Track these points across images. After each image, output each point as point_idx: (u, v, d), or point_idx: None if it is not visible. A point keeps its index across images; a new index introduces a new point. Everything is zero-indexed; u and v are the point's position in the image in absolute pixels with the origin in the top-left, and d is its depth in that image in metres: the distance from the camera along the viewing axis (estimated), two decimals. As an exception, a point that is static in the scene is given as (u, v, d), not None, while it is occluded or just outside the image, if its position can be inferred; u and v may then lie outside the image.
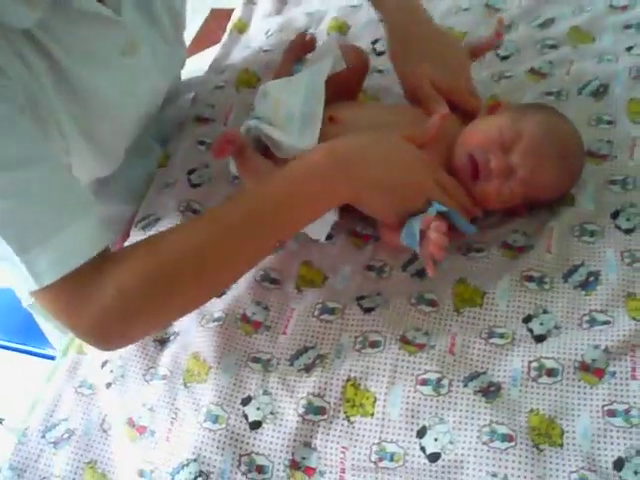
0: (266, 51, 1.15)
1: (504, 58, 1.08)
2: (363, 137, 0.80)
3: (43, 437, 0.79)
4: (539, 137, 0.81)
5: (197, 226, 0.76)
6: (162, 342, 0.84)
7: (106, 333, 0.71)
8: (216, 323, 0.82)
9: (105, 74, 0.82)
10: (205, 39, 1.55)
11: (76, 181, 0.72)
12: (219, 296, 0.85)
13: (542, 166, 0.80)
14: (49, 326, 1.18)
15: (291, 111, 0.87)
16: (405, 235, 0.79)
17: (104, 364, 0.83)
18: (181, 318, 0.81)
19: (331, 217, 0.86)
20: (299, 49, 1.07)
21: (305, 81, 0.90)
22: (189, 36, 2.38)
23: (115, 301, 0.68)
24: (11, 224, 0.65)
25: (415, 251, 0.79)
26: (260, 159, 0.86)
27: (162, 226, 0.93)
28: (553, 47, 1.05)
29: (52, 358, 0.94)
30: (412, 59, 0.91)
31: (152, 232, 0.92)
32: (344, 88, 0.94)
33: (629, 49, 1.02)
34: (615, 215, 0.84)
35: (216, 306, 0.84)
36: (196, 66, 1.26)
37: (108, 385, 0.81)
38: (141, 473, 0.73)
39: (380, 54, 1.12)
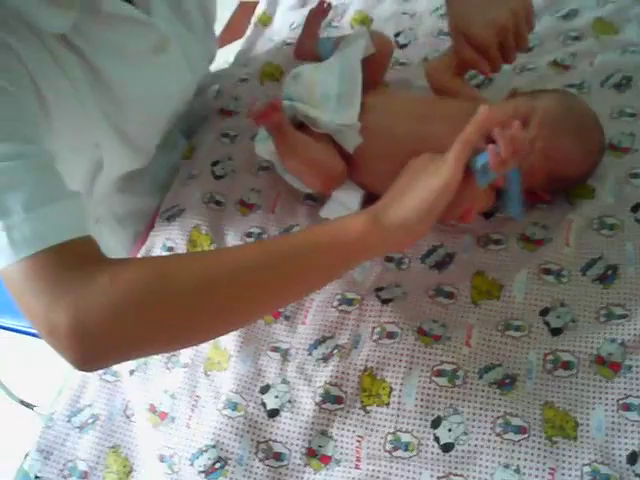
0: (289, 44, 1.16)
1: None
2: (400, 188, 0.72)
3: (69, 421, 0.82)
4: (554, 109, 0.82)
5: (214, 258, 0.67)
6: (184, 331, 0.85)
7: (84, 339, 0.57)
8: (238, 312, 0.84)
9: (136, 72, 0.84)
10: (233, 31, 1.56)
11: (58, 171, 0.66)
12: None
13: (558, 136, 0.81)
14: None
15: (327, 90, 0.90)
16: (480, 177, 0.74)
17: (128, 352, 0.85)
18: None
19: (356, 207, 0.87)
20: (319, 14, 1.08)
21: (339, 63, 0.93)
22: (217, 29, 2.40)
23: (106, 295, 0.57)
24: None
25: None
26: (297, 133, 0.88)
27: (187, 216, 0.95)
28: (576, 39, 1.05)
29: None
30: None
31: (177, 222, 0.95)
32: (370, 72, 0.95)
33: (654, 41, 1.01)
34: (635, 208, 0.83)
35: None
36: (223, 58, 1.27)
37: (131, 372, 0.83)
38: (162, 458, 0.75)
39: (403, 47, 1.13)
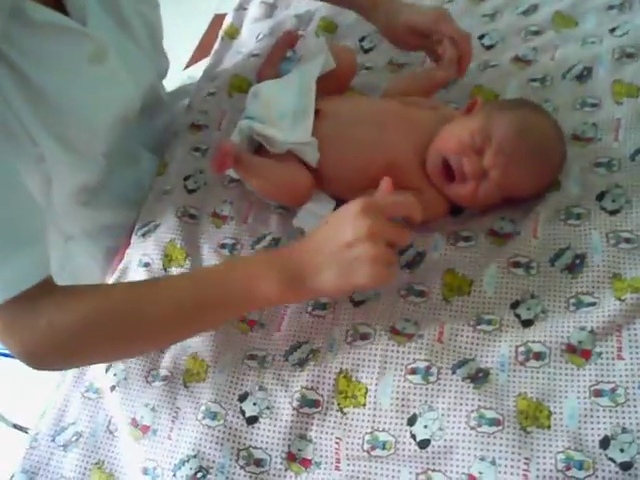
0: (256, 55, 1.16)
1: (489, 47, 1.08)
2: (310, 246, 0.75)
3: (53, 441, 0.83)
4: (509, 138, 0.82)
5: (143, 290, 0.79)
6: (163, 345, 0.86)
7: (37, 361, 0.75)
8: (214, 324, 0.85)
9: (72, 81, 0.84)
10: (209, 45, 1.57)
11: (31, 206, 0.76)
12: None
13: (513, 166, 0.81)
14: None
15: (283, 109, 0.91)
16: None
17: (108, 368, 0.85)
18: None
19: (327, 215, 0.88)
20: (285, 45, 1.10)
21: (297, 80, 0.94)
22: (193, 41, 2.41)
23: (46, 335, 0.72)
24: None
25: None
26: (259, 160, 0.90)
27: (161, 231, 0.96)
28: (537, 33, 1.06)
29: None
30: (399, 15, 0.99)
31: (152, 238, 0.95)
32: (333, 86, 0.97)
33: (612, 30, 1.02)
34: (601, 197, 0.84)
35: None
36: (199, 73, 1.28)
37: (112, 388, 0.84)
38: (145, 471, 0.76)
39: (367, 51, 1.14)
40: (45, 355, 0.74)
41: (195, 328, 0.79)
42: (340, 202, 0.90)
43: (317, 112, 0.90)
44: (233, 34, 1.28)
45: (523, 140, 0.82)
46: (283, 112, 0.91)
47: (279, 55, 1.08)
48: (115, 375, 0.84)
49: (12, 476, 0.81)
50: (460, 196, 0.85)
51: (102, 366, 0.86)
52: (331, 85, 0.95)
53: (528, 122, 0.84)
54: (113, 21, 0.90)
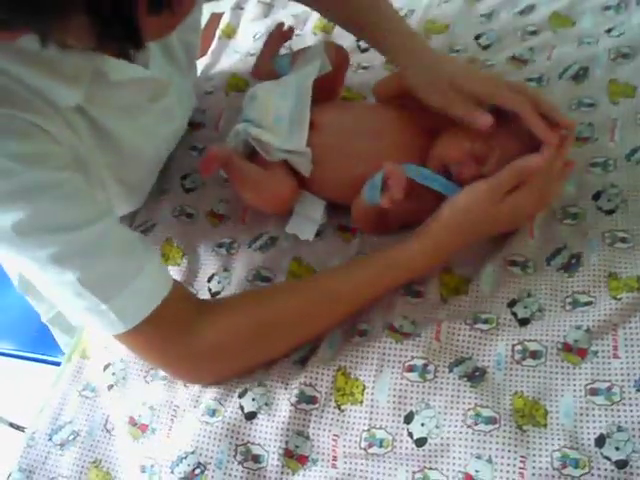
0: (253, 55, 1.17)
1: (485, 47, 1.09)
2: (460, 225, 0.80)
3: (50, 439, 0.83)
4: (512, 147, 0.80)
5: (300, 292, 0.81)
6: (161, 343, 0.86)
7: (197, 376, 0.80)
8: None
9: (133, 122, 0.85)
10: (206, 44, 1.57)
11: (129, 231, 0.78)
12: (213, 297, 0.88)
13: None
14: (65, 338, 1.21)
15: (280, 113, 0.90)
16: (368, 190, 0.82)
17: (106, 367, 0.86)
18: None
19: (319, 218, 0.89)
20: (278, 40, 1.09)
21: (294, 84, 0.93)
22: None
23: (211, 352, 0.77)
24: (93, 278, 0.69)
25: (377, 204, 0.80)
26: (248, 166, 0.89)
27: (158, 231, 0.96)
28: (534, 33, 1.06)
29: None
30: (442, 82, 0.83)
31: (149, 237, 0.95)
32: (327, 87, 0.96)
33: (609, 31, 1.03)
34: (597, 197, 0.85)
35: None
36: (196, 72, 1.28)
37: (110, 387, 0.84)
38: (143, 469, 0.76)
39: (364, 51, 1.14)
40: (207, 369, 0.79)
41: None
42: (329, 203, 0.92)
43: (312, 123, 0.90)
44: (230, 33, 1.28)
45: (526, 142, 0.80)
46: (279, 116, 0.90)
47: (273, 49, 1.08)
48: (114, 374, 0.84)
49: (9, 475, 0.81)
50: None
51: (100, 365, 0.87)
52: (325, 86, 0.95)
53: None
54: (165, 58, 0.91)
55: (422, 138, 0.87)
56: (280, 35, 1.09)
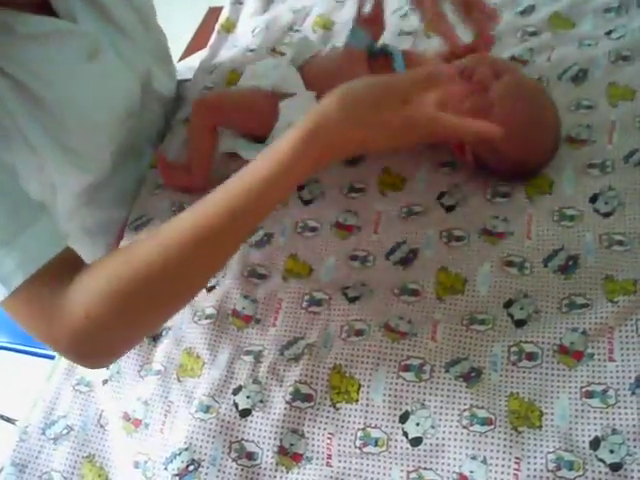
0: (252, 50, 1.17)
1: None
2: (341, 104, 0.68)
3: (43, 434, 0.82)
4: (525, 86, 0.86)
5: (173, 235, 0.67)
6: (155, 338, 0.86)
7: (81, 352, 0.68)
8: (209, 320, 0.85)
9: (73, 83, 0.83)
10: (204, 37, 1.56)
11: (22, 190, 0.71)
12: (209, 291, 0.88)
13: (516, 113, 0.84)
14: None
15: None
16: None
17: (100, 362, 0.85)
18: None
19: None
20: None
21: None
22: (187, 35, 2.39)
23: (84, 325, 0.65)
24: None
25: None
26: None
27: (154, 225, 0.96)
28: (534, 34, 1.06)
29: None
30: None
31: (144, 232, 0.95)
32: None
33: (609, 33, 1.03)
34: (594, 199, 0.85)
35: (207, 302, 0.86)
36: (194, 65, 1.27)
37: (104, 382, 0.84)
38: (136, 464, 0.76)
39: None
40: (87, 343, 0.66)
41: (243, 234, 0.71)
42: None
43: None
44: (229, 28, 1.28)
45: (531, 100, 0.86)
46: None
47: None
48: (107, 369, 0.84)
49: (1, 469, 0.80)
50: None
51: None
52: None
53: (542, 91, 0.89)
54: (97, 15, 0.88)
55: None
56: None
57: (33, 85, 0.77)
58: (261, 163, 0.67)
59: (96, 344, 0.68)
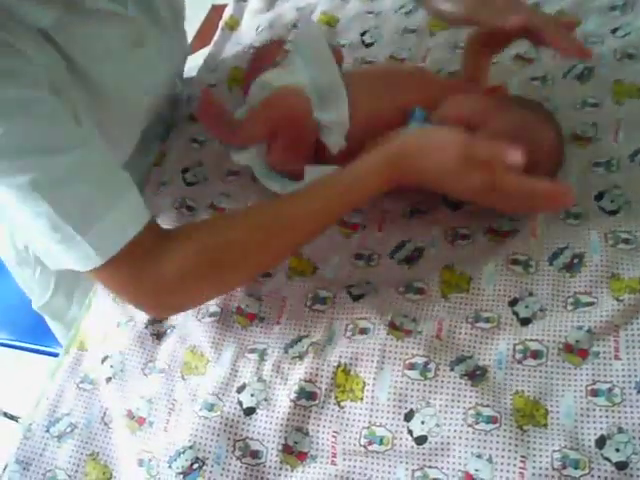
0: (255, 48, 1.16)
1: (491, 45, 1.08)
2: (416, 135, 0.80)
3: (47, 431, 0.82)
4: (503, 131, 0.81)
5: (258, 215, 0.80)
6: (159, 336, 0.86)
7: (161, 305, 0.79)
8: (212, 318, 0.85)
9: (116, 67, 0.84)
10: (206, 35, 1.57)
11: (112, 159, 0.76)
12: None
13: None
14: (57, 326, 1.21)
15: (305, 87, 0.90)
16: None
17: (104, 360, 0.85)
18: None
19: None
20: (268, 57, 1.05)
21: (305, 56, 0.94)
22: (190, 32, 2.39)
23: (174, 278, 0.74)
24: (67, 205, 0.68)
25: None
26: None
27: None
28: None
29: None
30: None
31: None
32: None
33: (614, 31, 1.03)
34: (599, 197, 0.85)
35: (211, 300, 0.86)
36: (197, 62, 1.28)
37: (108, 380, 0.84)
38: (140, 463, 0.76)
39: (369, 45, 1.14)
40: (171, 296, 0.77)
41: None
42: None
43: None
44: (233, 25, 1.28)
45: (516, 138, 0.79)
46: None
47: (261, 66, 1.03)
48: (112, 367, 0.84)
49: (5, 466, 0.80)
50: None
51: (98, 357, 0.86)
52: None
53: (530, 125, 0.84)
54: (145, 6, 0.90)
55: (435, 94, 0.89)
56: (270, 53, 1.06)
57: (81, 59, 0.78)
58: (341, 177, 0.79)
59: (180, 298, 0.79)
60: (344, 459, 0.71)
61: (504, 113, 0.83)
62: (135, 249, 0.72)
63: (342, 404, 0.74)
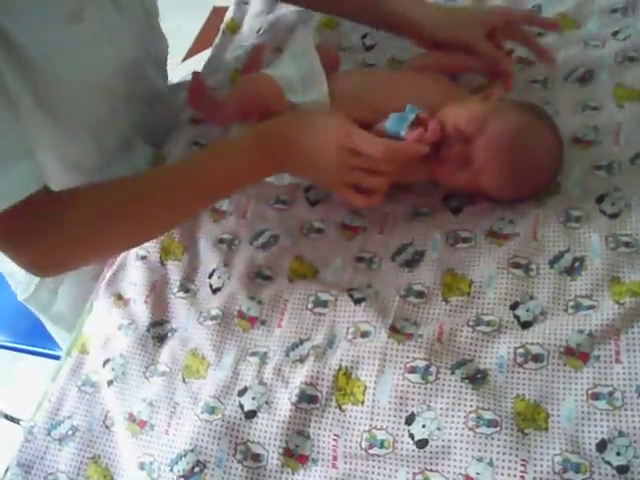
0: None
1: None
2: (289, 119, 0.87)
3: (49, 434, 0.82)
4: (501, 137, 0.81)
5: (136, 182, 0.84)
6: (160, 339, 0.86)
7: (45, 264, 0.81)
8: (214, 321, 0.85)
9: (52, 43, 0.83)
10: (207, 37, 1.57)
11: (17, 127, 0.76)
12: (214, 292, 0.88)
13: (495, 165, 0.81)
14: (55, 328, 1.21)
15: (289, 83, 0.92)
16: (394, 120, 0.83)
17: (105, 363, 0.86)
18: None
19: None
20: (257, 61, 1.09)
21: (289, 52, 0.97)
22: (191, 34, 2.40)
23: (59, 236, 0.77)
24: None
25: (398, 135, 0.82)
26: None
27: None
28: (539, 34, 1.05)
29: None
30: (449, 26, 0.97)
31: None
32: None
33: (615, 34, 1.02)
34: (600, 200, 0.85)
35: (213, 303, 0.87)
36: (197, 65, 1.28)
37: (110, 383, 0.84)
38: (142, 466, 0.76)
39: (369, 48, 1.13)
40: (56, 256, 0.80)
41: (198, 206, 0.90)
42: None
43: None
44: (234, 28, 1.28)
45: (513, 145, 0.81)
46: (291, 86, 0.92)
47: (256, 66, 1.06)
48: (113, 370, 0.84)
49: (7, 469, 0.80)
50: (437, 173, 0.85)
51: (99, 360, 0.86)
52: None
53: (527, 130, 0.83)
54: None
55: (431, 101, 0.88)
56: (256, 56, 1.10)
57: (15, 33, 0.78)
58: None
59: (64, 259, 0.82)
60: (345, 462, 0.71)
61: (501, 119, 0.82)
62: (25, 211, 0.73)
63: (343, 407, 0.74)
